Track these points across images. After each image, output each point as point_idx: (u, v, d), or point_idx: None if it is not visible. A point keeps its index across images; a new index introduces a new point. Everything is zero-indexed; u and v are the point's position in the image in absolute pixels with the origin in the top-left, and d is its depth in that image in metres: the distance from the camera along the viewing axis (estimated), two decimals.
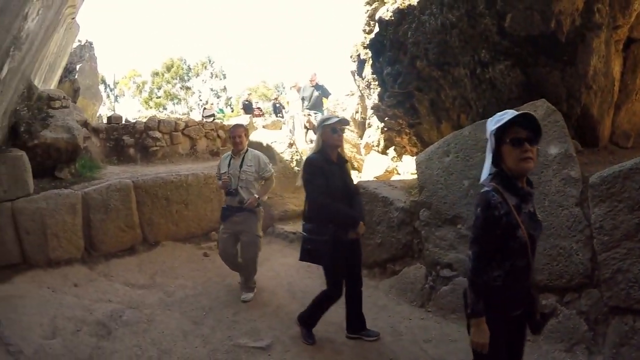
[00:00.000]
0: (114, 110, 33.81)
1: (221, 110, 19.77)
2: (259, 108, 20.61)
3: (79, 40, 16.66)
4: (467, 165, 5.27)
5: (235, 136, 6.04)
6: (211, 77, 44.42)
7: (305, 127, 13.66)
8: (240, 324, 5.39)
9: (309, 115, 13.57)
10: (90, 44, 17.84)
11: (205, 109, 20.26)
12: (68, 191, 7.26)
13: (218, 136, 12.65)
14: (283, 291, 6.44)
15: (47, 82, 11.39)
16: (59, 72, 13.43)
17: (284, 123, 15.95)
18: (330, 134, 4.35)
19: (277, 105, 19.24)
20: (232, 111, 19.98)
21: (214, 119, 16.93)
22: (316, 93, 13.64)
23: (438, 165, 5.60)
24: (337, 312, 4.93)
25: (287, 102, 17.64)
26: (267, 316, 5.60)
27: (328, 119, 4.52)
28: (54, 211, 6.89)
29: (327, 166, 4.31)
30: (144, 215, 8.01)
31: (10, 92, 6.39)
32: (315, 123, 11.62)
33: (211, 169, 8.79)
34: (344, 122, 4.72)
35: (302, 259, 4.51)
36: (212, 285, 6.44)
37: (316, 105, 13.79)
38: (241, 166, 5.92)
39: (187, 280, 6.86)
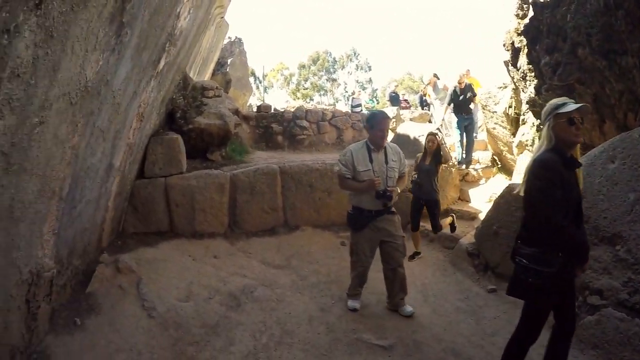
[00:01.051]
0: (263, 101, 36.00)
1: (371, 100, 19.42)
2: (405, 100, 19.87)
3: (229, 37, 18.16)
4: (635, 174, 4.36)
5: (384, 129, 5.15)
6: (356, 69, 44.79)
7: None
8: (366, 319, 5.18)
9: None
10: (240, 40, 19.35)
11: (353, 98, 20.17)
12: (217, 172, 7.70)
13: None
14: (415, 292, 6.06)
15: (202, 74, 12.45)
16: (212, 65, 14.65)
17: (431, 116, 15.07)
18: (566, 126, 3.15)
19: (424, 97, 18.24)
20: (378, 103, 19.52)
21: (361, 110, 16.77)
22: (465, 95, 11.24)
23: (600, 173, 4.71)
24: None
25: (428, 95, 16.41)
26: (395, 315, 5.30)
27: (562, 105, 3.21)
28: (203, 189, 7.39)
29: (565, 172, 3.15)
30: (288, 199, 8.18)
31: (168, 83, 7.01)
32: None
33: None
34: (584, 110, 3.23)
35: (512, 293, 3.34)
36: (345, 275, 6.25)
37: (467, 109, 11.28)
38: (386, 162, 5.12)
39: (321, 267, 6.79)
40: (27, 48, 2.83)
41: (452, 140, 11.50)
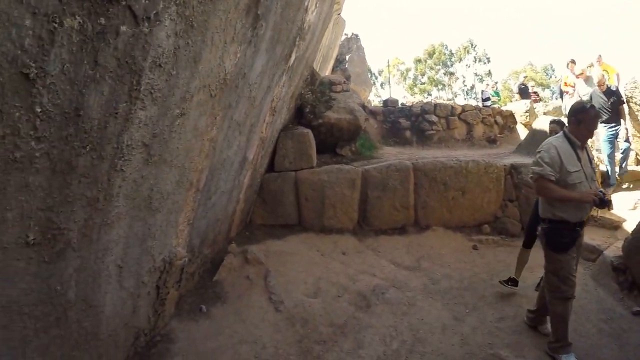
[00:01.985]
0: (379, 97, 35.11)
1: (496, 93, 17.81)
2: (535, 92, 17.92)
3: (346, 34, 17.98)
4: None
5: (593, 128, 4.23)
6: (474, 61, 41.84)
7: None
8: (503, 333, 4.69)
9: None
10: (356, 36, 19.11)
11: (483, 91, 18.74)
12: (349, 167, 7.57)
13: (495, 122, 11.61)
14: None
15: (322, 71, 12.52)
16: (331, 62, 14.66)
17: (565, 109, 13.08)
18: None
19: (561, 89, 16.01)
20: (498, 96, 17.85)
21: (491, 104, 15.52)
22: (609, 99, 8.83)
23: None
24: None
25: (565, 84, 13.55)
26: (533, 332, 4.72)
27: None
28: (334, 184, 7.30)
29: None
30: (420, 197, 7.83)
31: (297, 78, 7.06)
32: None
33: (489, 157, 8.24)
34: None
35: None
36: (478, 282, 5.73)
37: (613, 117, 8.99)
38: (590, 163, 4.20)
39: (453, 271, 6.34)
40: (168, 37, 2.84)
41: (602, 156, 9.10)
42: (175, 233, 4.21)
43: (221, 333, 4.43)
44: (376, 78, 41.37)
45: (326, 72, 13.96)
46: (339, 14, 12.10)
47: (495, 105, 14.89)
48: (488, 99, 16.98)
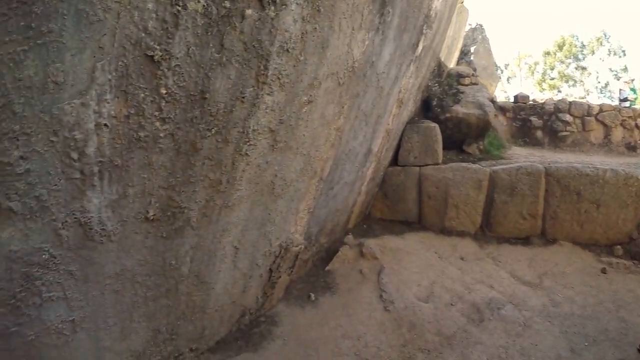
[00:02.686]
0: (505, 92, 32.08)
1: (633, 90, 14.89)
2: None
3: (470, 24, 16.41)
4: None
5: None
6: (608, 55, 35.87)
7: None
8: None
9: None
10: (481, 26, 17.31)
11: (621, 90, 15.90)
12: (476, 166, 6.97)
13: (636, 126, 9.90)
14: None
15: (447, 63, 11.59)
16: (456, 54, 13.59)
17: None
18: None
19: None
20: (635, 94, 14.84)
21: (630, 104, 13.15)
22: None
23: None
24: None
25: None
26: None
27: None
28: (459, 183, 6.80)
29: None
30: (549, 207, 6.90)
31: (424, 69, 6.64)
32: None
33: (629, 167, 6.99)
34: None
35: None
36: (602, 312, 4.97)
37: None
38: None
39: (576, 294, 5.52)
40: (295, 22, 2.71)
41: None
42: (294, 220, 4.17)
43: (325, 324, 4.31)
44: (502, 72, 38.18)
45: (451, 64, 13.08)
46: (462, 2, 11.21)
47: (636, 107, 12.68)
48: (626, 99, 14.51)
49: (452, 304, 4.81)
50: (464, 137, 7.83)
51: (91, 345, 2.78)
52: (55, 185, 2.16)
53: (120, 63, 2.08)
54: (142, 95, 2.24)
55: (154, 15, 2.06)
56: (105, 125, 2.19)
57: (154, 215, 2.66)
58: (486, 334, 4.37)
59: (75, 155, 2.16)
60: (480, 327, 4.48)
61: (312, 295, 4.72)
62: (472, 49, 16.59)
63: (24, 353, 2.47)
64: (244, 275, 3.81)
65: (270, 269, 4.14)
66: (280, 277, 4.34)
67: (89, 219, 2.36)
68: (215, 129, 2.69)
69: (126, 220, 2.54)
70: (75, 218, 2.31)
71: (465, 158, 7.50)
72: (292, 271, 4.54)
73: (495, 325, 4.54)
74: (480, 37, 17.42)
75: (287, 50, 2.79)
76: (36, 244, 2.22)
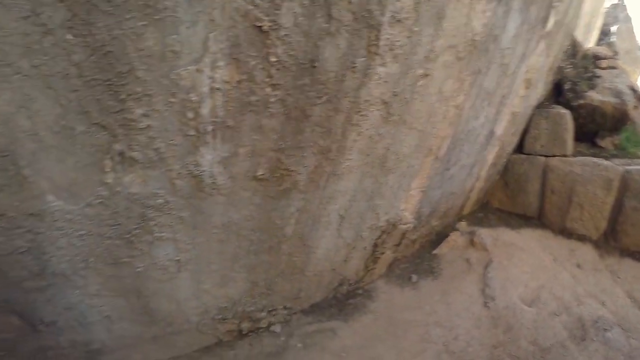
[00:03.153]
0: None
1: None
2: None
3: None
4: None
5: None
6: None
7: None
8: None
9: None
10: (622, 2, 14.59)
11: None
12: (608, 163, 6.08)
13: None
14: None
15: (584, 43, 10.08)
16: (595, 33, 11.69)
17: None
18: None
19: None
20: None
21: None
22: None
23: None
24: None
25: None
26: None
27: None
28: (587, 180, 6.02)
29: None
30: None
31: (556, 47, 5.85)
32: None
33: None
34: None
35: None
36: None
37: None
38: None
39: None
40: None
41: None
42: (404, 197, 4.02)
43: (420, 308, 4.17)
44: None
45: (589, 44, 11.43)
46: None
47: None
48: None
49: (556, 314, 4.36)
50: (598, 128, 6.84)
51: (192, 286, 3.01)
52: (172, 140, 2.35)
53: (230, 34, 2.20)
54: (253, 62, 2.33)
55: None
56: (218, 89, 2.33)
57: (263, 175, 2.73)
58: (584, 356, 3.89)
59: (191, 115, 2.32)
60: (580, 347, 4.00)
61: (414, 277, 4.58)
62: (614, 29, 14.29)
63: (131, 282, 2.77)
64: (347, 245, 3.79)
65: (375, 243, 4.07)
66: (384, 253, 4.26)
67: (201, 172, 2.51)
68: (326, 97, 2.68)
69: (235, 177, 2.65)
70: (189, 170, 2.47)
71: (596, 153, 6.57)
72: (397, 249, 4.43)
73: (597, 347, 4.02)
74: (622, 15, 14.99)
75: (399, 21, 2.64)
76: (153, 189, 2.43)
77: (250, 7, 2.16)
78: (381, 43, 2.63)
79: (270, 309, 3.62)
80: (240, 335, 3.67)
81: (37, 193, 2.24)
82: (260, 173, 2.70)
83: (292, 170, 2.85)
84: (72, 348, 3.06)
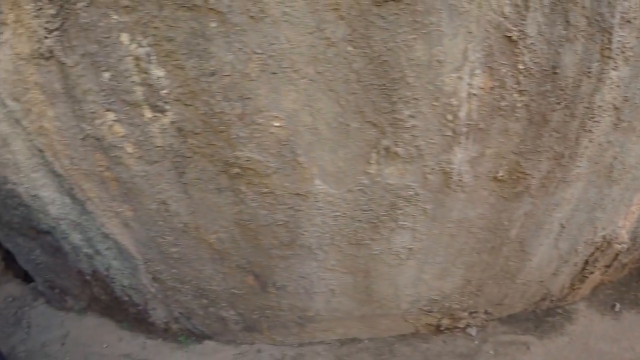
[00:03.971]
0: None
1: None
2: None
3: None
4: None
5: None
6: None
7: None
8: None
9: None
10: None
11: None
12: None
13: None
14: None
15: None
16: None
17: None
18: None
19: None
20: None
21: None
22: None
23: None
24: None
25: None
26: None
27: None
28: None
29: None
30: None
31: None
32: None
33: None
34: None
35: None
36: None
37: None
38: None
39: None
40: None
41: None
42: (624, 212, 3.91)
43: (618, 341, 4.05)
44: None
45: None
46: None
47: None
48: None
49: None
50: None
51: (414, 274, 3.38)
52: (432, 139, 2.72)
53: (485, 44, 2.50)
54: (504, 70, 2.60)
55: (507, 1, 2.40)
56: (474, 94, 2.64)
57: (502, 176, 2.97)
58: None
59: (450, 117, 2.66)
60: None
61: (617, 306, 4.41)
62: None
63: (364, 262, 3.26)
64: (560, 257, 3.84)
65: (586, 260, 4.03)
66: (592, 273, 4.17)
67: (451, 169, 2.84)
68: (564, 102, 2.82)
69: (479, 176, 2.94)
70: (441, 167, 2.82)
71: None
72: (606, 271, 4.30)
73: None
74: None
75: (629, 21, 2.67)
76: (407, 181, 2.84)
77: (501, 18, 2.43)
78: (613, 46, 2.70)
79: (472, 311, 3.85)
80: (437, 330, 3.95)
81: (307, 177, 2.79)
82: (500, 174, 2.94)
83: (527, 174, 3.02)
84: (289, 311, 3.67)
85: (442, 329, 3.93)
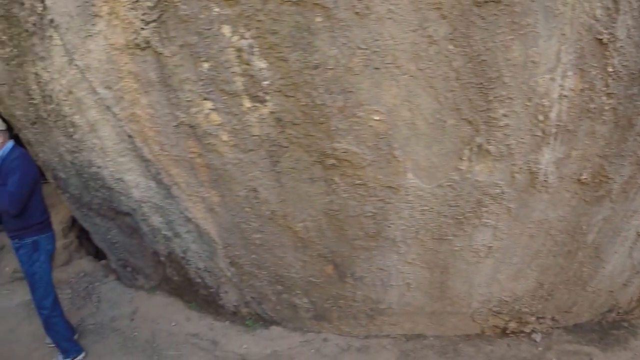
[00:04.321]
0: None
1: None
2: None
3: None
4: None
5: None
6: None
7: None
8: None
9: None
10: None
11: None
12: None
13: None
14: None
15: None
16: None
17: None
18: None
19: None
20: None
21: None
22: None
23: None
24: None
25: None
26: None
27: None
28: None
29: None
30: None
31: None
32: None
33: None
34: None
35: None
36: None
37: None
38: None
39: None
40: None
41: None
42: None
43: None
44: None
45: None
46: None
47: None
48: None
49: None
50: None
51: (489, 273, 3.56)
52: (522, 138, 2.91)
53: (577, 46, 2.68)
54: (594, 72, 2.77)
55: (599, 3, 2.56)
56: (565, 96, 2.82)
57: (585, 178, 3.13)
58: None
59: (541, 117, 2.85)
60: None
61: None
62: None
63: (444, 258, 3.47)
64: (633, 267, 3.92)
65: None
66: None
67: (538, 169, 3.02)
68: None
69: (563, 177, 3.10)
70: (529, 167, 3.01)
71: None
72: None
73: None
74: None
75: None
76: (495, 179, 3.04)
77: (593, 21, 2.60)
78: None
79: (540, 316, 3.97)
80: (503, 333, 4.09)
81: (400, 170, 3.02)
82: (583, 176, 3.10)
83: (610, 178, 3.17)
84: (362, 303, 3.89)
85: (507, 332, 4.06)
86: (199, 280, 4.51)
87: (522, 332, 4.11)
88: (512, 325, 4.03)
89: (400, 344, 4.11)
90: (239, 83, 3.03)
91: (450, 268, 3.50)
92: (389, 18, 2.58)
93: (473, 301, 3.77)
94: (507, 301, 3.80)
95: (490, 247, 3.35)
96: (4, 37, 3.94)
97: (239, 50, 2.89)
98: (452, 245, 3.35)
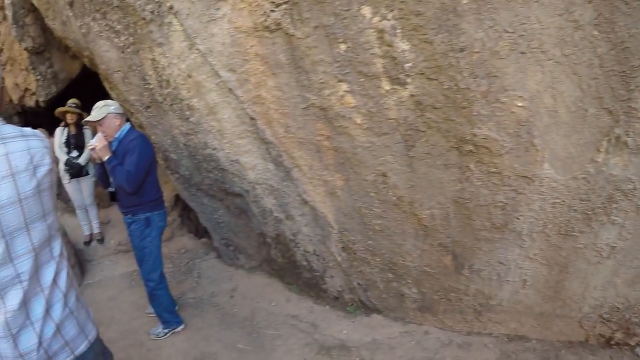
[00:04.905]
0: None
1: None
2: None
3: None
4: None
5: None
6: None
7: None
8: None
9: None
10: None
11: None
12: None
13: None
14: None
15: None
16: None
17: None
18: None
19: None
20: None
21: None
22: None
23: None
24: None
25: None
26: None
27: None
28: None
29: None
30: None
31: None
32: None
33: None
34: None
35: None
36: None
37: None
38: None
39: None
40: None
41: None
42: None
43: None
44: None
45: None
46: None
47: None
48: None
49: None
50: None
51: (607, 275, 3.63)
52: None
53: None
54: None
55: None
56: None
57: None
58: None
59: None
60: None
61: None
62: None
63: (566, 255, 3.57)
64: None
65: None
66: None
67: None
68: None
69: None
70: None
71: None
72: None
73: None
74: None
75: None
76: (629, 174, 3.14)
77: None
78: None
79: (607, 336, 4.04)
80: (607, 343, 4.14)
81: (537, 160, 3.20)
82: None
83: None
84: (473, 297, 4.08)
85: (612, 342, 4.14)
86: (304, 263, 4.85)
87: (626, 344, 4.18)
88: (618, 335, 4.11)
89: (502, 344, 4.28)
90: (378, 65, 3.27)
91: (570, 267, 3.61)
92: (536, 1, 2.74)
93: (585, 305, 3.86)
94: (618, 308, 3.87)
95: (614, 247, 3.43)
96: (119, 27, 4.39)
97: (381, 31, 3.13)
98: (576, 242, 3.46)
